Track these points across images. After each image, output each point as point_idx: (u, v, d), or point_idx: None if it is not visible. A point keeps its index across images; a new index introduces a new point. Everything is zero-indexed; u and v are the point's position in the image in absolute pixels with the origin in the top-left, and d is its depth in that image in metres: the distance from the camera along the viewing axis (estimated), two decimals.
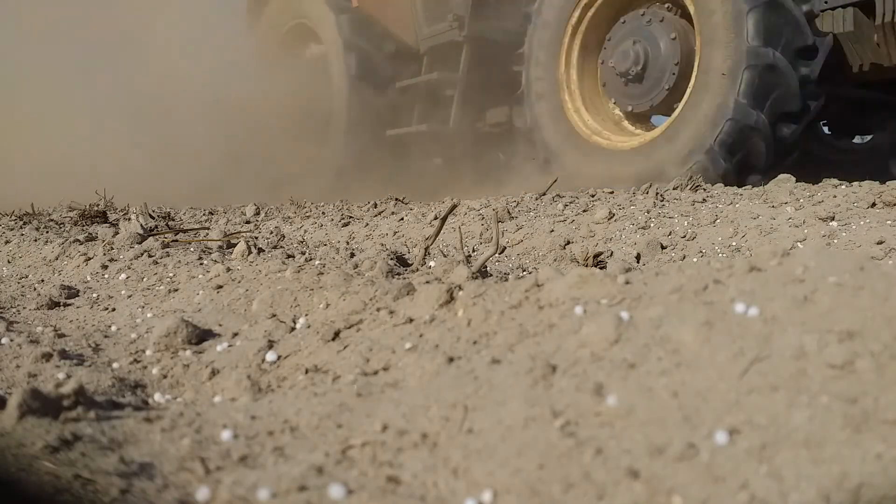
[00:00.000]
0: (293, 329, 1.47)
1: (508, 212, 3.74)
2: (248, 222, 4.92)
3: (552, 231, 3.24)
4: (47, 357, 1.38)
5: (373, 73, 8.70)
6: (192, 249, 2.67)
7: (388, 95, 8.67)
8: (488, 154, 8.31)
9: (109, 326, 1.76)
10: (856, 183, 3.73)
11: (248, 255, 2.34)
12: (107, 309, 1.95)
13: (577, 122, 6.43)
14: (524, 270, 2.51)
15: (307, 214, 5.21)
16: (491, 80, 7.62)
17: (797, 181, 4.11)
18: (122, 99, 8.98)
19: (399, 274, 1.86)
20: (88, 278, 2.40)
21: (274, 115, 8.77)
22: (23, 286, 2.52)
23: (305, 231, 4.21)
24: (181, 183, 7.72)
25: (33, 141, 8.60)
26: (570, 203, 4.04)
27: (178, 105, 8.87)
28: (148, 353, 1.46)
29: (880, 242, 2.47)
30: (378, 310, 1.38)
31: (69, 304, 2.06)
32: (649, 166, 5.63)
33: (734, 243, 2.78)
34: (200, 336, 1.50)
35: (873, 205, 3.01)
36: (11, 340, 1.50)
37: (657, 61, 5.84)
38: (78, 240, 3.10)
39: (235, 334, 1.52)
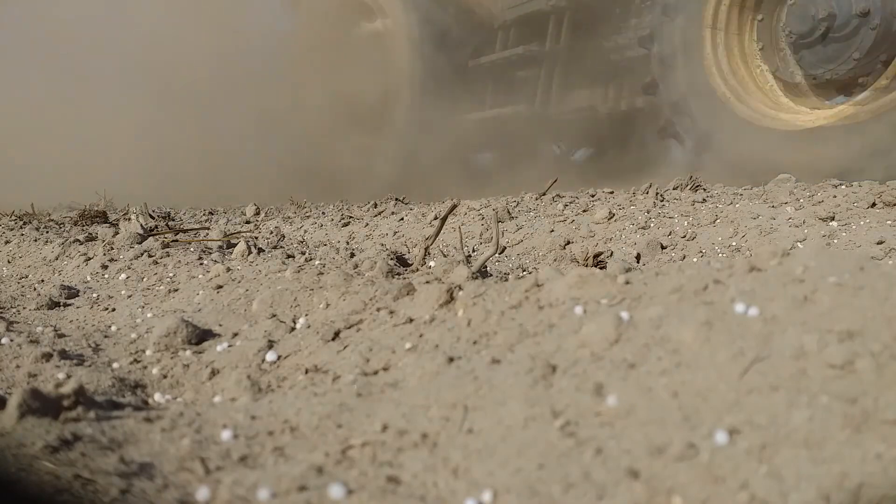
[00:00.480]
0: (293, 329, 1.47)
1: (508, 212, 3.74)
2: (248, 222, 4.92)
3: (552, 231, 3.24)
4: (47, 357, 1.38)
5: (442, 48, 7.46)
6: (192, 249, 2.67)
7: (459, 75, 7.44)
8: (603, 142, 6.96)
9: (109, 326, 1.76)
10: (856, 183, 3.72)
11: (248, 255, 2.34)
12: (107, 309, 1.95)
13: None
14: (524, 270, 2.51)
15: (307, 214, 5.22)
16: (585, 57, 6.57)
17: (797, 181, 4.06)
18: (143, 86, 8.30)
19: (399, 274, 1.86)
20: (88, 278, 2.40)
21: (320, 101, 7.74)
22: (23, 286, 2.52)
23: (305, 231, 4.21)
24: (204, 181, 7.15)
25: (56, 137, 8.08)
26: (570, 203, 4.04)
27: (206, 91, 8.01)
28: (148, 353, 1.46)
29: (880, 242, 2.47)
30: (378, 310, 1.38)
31: (69, 304, 2.07)
32: (836, 154, 4.40)
33: (734, 243, 2.78)
34: (200, 336, 1.50)
35: (873, 205, 3.01)
36: (11, 340, 1.50)
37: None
38: (78, 240, 3.10)
39: (235, 334, 1.52)
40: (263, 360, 1.34)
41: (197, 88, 8.08)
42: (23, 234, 3.71)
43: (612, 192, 4.43)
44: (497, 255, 2.66)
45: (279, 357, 1.34)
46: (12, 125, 8.28)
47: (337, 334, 1.35)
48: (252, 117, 7.95)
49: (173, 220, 4.59)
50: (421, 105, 7.60)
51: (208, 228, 3.92)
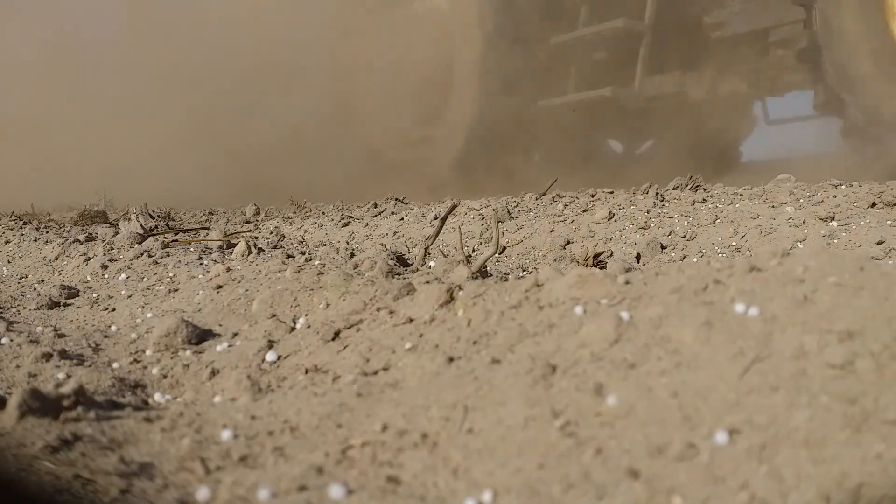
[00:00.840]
0: (293, 329, 1.47)
1: (508, 212, 3.74)
2: (248, 222, 4.93)
3: (552, 231, 3.24)
4: (47, 357, 1.38)
5: (514, 25, 6.40)
6: (192, 249, 2.67)
7: (533, 55, 6.35)
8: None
9: (109, 326, 1.76)
10: (856, 183, 3.72)
11: (248, 255, 2.34)
12: (107, 309, 1.95)
13: None
14: (524, 270, 2.51)
15: (307, 214, 5.22)
16: (678, 34, 5.64)
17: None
18: (155, 82, 7.54)
19: (399, 274, 1.86)
20: (88, 278, 2.40)
21: (368, 86, 6.78)
22: (23, 286, 2.52)
23: (305, 231, 4.21)
24: (239, 178, 6.52)
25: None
26: (570, 203, 4.04)
27: (240, 69, 7.04)
28: (148, 353, 1.46)
29: (880, 242, 2.47)
30: (378, 310, 1.38)
31: (69, 304, 2.07)
32: None
33: (734, 243, 2.78)
34: (200, 336, 1.50)
35: (873, 205, 3.01)
36: (11, 340, 1.50)
37: None
38: (78, 240, 3.10)
39: (235, 334, 1.52)
40: (263, 360, 1.34)
41: (255, 55, 7.09)
42: (23, 234, 3.71)
43: (611, 192, 4.43)
44: (497, 255, 2.66)
45: (279, 357, 1.34)
46: (12, 125, 8.24)
47: (337, 334, 1.35)
48: (289, 105, 7.10)
49: (173, 220, 4.59)
50: (487, 90, 6.48)
51: (208, 228, 3.93)
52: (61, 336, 1.62)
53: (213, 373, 1.33)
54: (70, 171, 7.42)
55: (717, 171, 4.96)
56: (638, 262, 2.75)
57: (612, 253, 2.74)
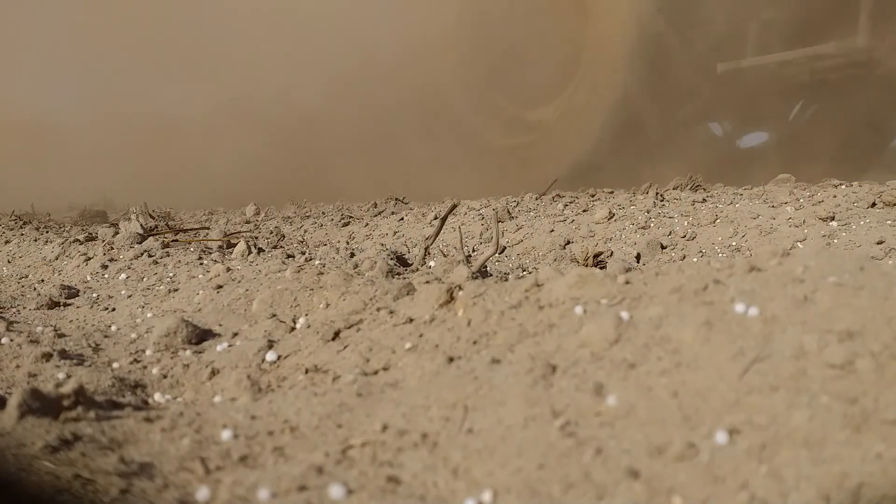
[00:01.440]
0: (293, 329, 1.47)
1: (508, 212, 3.73)
2: (248, 222, 4.92)
3: (552, 231, 3.24)
4: (47, 357, 1.38)
5: None
6: (192, 249, 2.67)
7: (692, 11, 4.62)
8: None
9: (109, 326, 1.76)
10: (856, 183, 3.72)
11: (248, 255, 2.34)
12: (107, 309, 1.95)
13: None
14: (524, 270, 2.51)
15: (307, 214, 5.22)
16: None
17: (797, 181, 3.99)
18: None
19: (399, 274, 1.86)
20: (88, 278, 2.40)
21: (455, 57, 5.33)
22: (23, 286, 2.52)
23: (305, 231, 4.21)
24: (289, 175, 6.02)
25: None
26: (570, 203, 4.03)
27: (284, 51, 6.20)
28: (148, 352, 1.46)
29: (880, 242, 2.47)
30: (378, 310, 1.38)
31: (69, 304, 2.07)
32: None
33: (734, 243, 2.78)
34: (200, 336, 1.50)
35: (873, 205, 3.01)
36: (11, 340, 1.50)
37: None
38: (78, 240, 3.10)
39: (235, 334, 1.52)
40: (263, 360, 1.34)
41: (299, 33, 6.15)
42: (23, 234, 3.71)
43: (612, 192, 4.43)
44: (497, 255, 2.66)
45: (279, 357, 1.34)
46: (12, 125, 8.23)
47: (337, 334, 1.35)
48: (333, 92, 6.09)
49: (173, 219, 4.59)
50: (637, 55, 4.77)
51: (208, 228, 3.93)
52: (61, 336, 1.62)
53: (213, 373, 1.33)
54: (70, 171, 7.41)
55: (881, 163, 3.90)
56: (638, 262, 2.75)
57: (612, 253, 2.73)
